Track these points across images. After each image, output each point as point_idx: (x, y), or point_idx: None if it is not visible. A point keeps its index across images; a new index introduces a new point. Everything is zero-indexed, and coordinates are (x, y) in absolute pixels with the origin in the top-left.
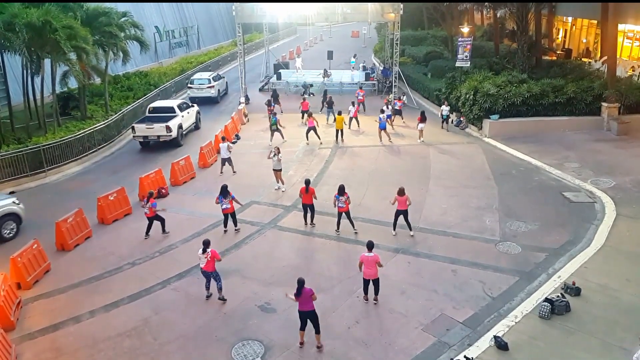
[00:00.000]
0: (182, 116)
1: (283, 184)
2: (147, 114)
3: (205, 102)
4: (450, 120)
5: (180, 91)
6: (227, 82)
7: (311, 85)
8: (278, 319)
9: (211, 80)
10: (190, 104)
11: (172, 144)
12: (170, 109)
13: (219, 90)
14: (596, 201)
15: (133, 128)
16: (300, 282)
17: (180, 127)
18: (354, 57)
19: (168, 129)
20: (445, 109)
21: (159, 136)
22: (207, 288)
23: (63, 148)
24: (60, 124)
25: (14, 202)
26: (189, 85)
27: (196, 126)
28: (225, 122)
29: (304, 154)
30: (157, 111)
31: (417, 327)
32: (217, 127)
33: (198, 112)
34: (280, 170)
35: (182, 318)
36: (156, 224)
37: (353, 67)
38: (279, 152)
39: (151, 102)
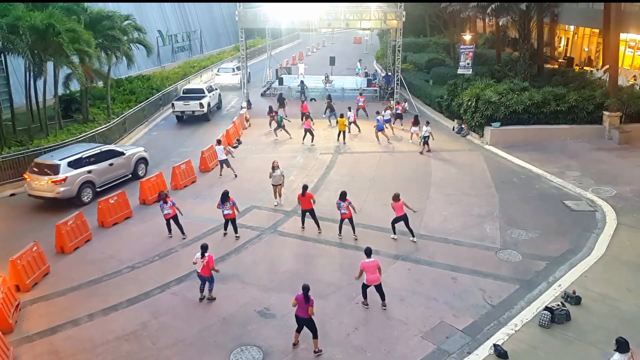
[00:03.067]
0: (209, 96)
1: (280, 197)
2: (182, 94)
3: (229, 88)
4: (427, 141)
5: None
6: (250, 72)
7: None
8: (277, 324)
9: (235, 69)
10: (214, 88)
11: (202, 119)
12: (201, 90)
13: (240, 78)
14: (597, 210)
15: (173, 105)
16: (306, 289)
17: (209, 104)
18: (359, 62)
19: (201, 105)
20: (426, 129)
21: (193, 111)
22: (201, 290)
23: None
24: (62, 126)
25: (144, 150)
26: (217, 73)
27: (218, 106)
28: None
29: (305, 159)
30: (190, 92)
31: (416, 334)
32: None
33: (220, 95)
34: (281, 184)
35: (181, 323)
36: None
37: (358, 73)
38: (278, 167)
39: (152, 106)
